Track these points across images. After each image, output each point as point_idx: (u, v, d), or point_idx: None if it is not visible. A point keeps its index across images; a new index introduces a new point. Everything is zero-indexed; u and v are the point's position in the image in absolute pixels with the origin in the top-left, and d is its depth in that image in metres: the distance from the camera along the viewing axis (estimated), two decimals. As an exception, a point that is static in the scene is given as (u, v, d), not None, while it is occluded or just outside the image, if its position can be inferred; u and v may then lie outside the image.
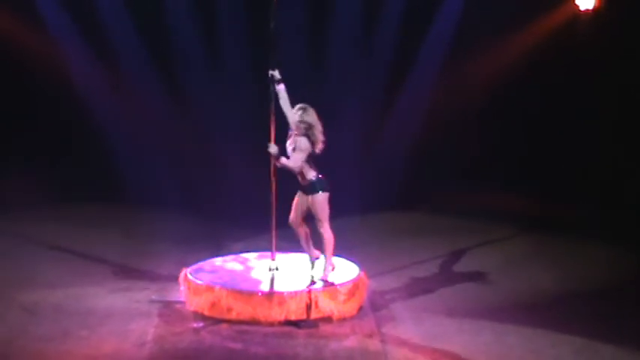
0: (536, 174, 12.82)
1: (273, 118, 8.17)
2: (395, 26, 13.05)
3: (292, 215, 8.30)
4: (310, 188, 8.09)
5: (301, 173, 8.09)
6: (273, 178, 8.24)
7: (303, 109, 8.07)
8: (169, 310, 8.03)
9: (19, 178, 12.86)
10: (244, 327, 7.54)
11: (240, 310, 7.66)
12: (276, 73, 8.05)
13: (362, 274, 8.25)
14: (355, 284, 8.02)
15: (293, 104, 8.06)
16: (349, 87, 13.12)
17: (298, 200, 8.27)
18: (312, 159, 8.10)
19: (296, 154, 8.02)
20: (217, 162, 12.88)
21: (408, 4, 12.92)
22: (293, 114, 8.02)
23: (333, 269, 8.22)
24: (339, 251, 8.47)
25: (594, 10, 12.31)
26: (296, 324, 7.60)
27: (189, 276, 8.13)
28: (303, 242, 8.42)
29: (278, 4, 8.24)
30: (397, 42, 13.10)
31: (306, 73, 12.29)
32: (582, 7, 12.35)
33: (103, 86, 13.22)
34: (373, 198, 11.75)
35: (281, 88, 8.02)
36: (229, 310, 7.68)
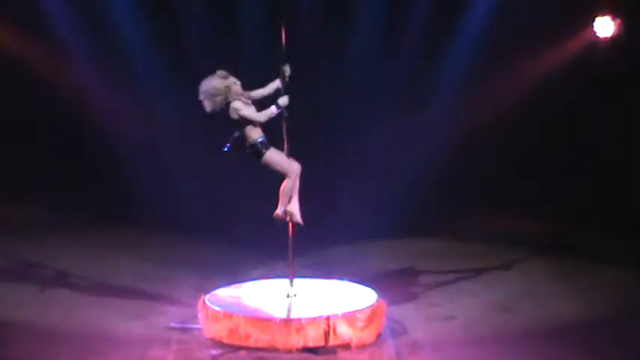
0: (556, 195, 12.65)
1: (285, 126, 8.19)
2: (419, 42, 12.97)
3: None
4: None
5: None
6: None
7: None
8: (187, 337, 7.97)
9: (30, 201, 12.84)
10: (262, 354, 7.46)
11: (258, 337, 7.59)
12: (287, 69, 8.11)
13: (380, 300, 8.16)
14: (374, 310, 7.93)
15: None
16: (371, 105, 12.89)
17: None
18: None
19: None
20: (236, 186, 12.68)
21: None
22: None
23: None
24: (357, 277, 8.38)
25: (613, 37, 12.25)
26: (314, 351, 7.51)
27: (207, 302, 8.07)
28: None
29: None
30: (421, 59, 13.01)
31: (324, 88, 12.22)
32: (601, 35, 12.29)
33: (118, 106, 13.04)
34: (393, 223, 11.61)
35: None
36: (247, 337, 7.61)
